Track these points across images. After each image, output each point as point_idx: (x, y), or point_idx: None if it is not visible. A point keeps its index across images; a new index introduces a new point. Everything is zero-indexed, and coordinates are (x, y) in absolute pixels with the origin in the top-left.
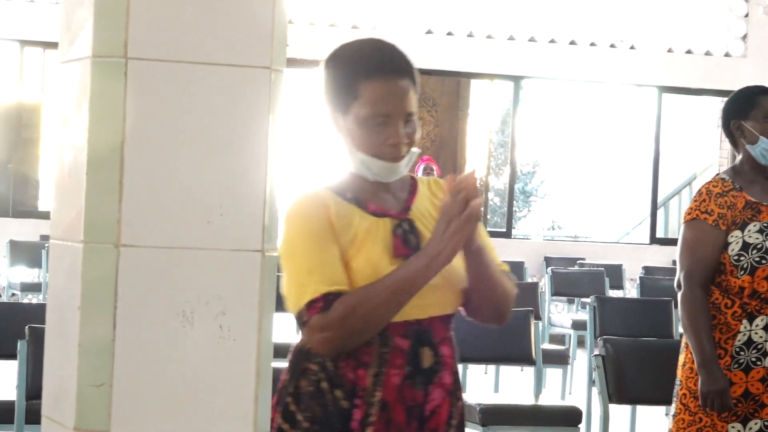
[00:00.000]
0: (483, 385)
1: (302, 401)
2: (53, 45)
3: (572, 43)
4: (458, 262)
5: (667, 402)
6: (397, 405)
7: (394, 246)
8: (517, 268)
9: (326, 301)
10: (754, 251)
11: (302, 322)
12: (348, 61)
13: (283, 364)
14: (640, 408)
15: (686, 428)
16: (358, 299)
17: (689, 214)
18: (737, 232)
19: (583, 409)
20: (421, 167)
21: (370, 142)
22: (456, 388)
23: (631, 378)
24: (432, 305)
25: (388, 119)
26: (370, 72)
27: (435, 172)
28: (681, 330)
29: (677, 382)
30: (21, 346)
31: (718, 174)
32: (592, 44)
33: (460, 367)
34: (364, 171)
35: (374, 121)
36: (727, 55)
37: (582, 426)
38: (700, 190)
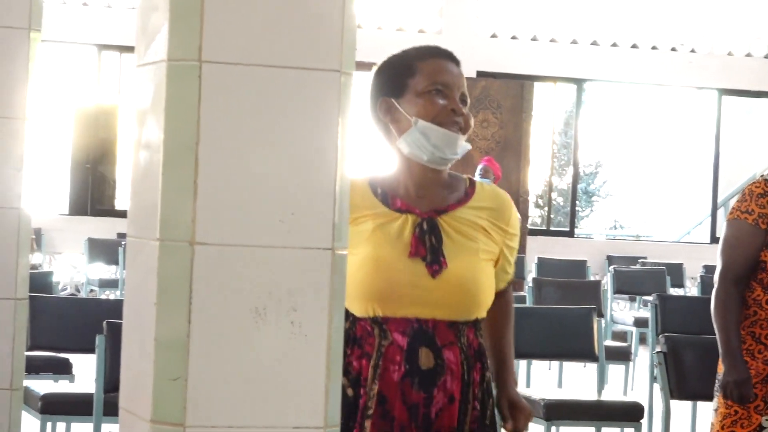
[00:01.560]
0: (546, 380)
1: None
2: (129, 49)
3: (634, 46)
4: (483, 277)
5: None
6: (396, 402)
7: (411, 245)
8: (580, 266)
9: None
10: None
11: None
12: (404, 52)
13: None
14: (700, 404)
15: (723, 420)
16: None
17: (731, 213)
18: None
19: (645, 404)
20: (480, 168)
21: (431, 107)
22: (466, 398)
23: (692, 374)
24: (436, 308)
25: (446, 89)
26: (427, 54)
27: (492, 174)
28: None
29: (717, 377)
30: (99, 340)
31: (762, 175)
32: (654, 48)
33: (523, 363)
34: (419, 146)
35: (434, 88)
36: None
37: (644, 421)
38: (743, 191)
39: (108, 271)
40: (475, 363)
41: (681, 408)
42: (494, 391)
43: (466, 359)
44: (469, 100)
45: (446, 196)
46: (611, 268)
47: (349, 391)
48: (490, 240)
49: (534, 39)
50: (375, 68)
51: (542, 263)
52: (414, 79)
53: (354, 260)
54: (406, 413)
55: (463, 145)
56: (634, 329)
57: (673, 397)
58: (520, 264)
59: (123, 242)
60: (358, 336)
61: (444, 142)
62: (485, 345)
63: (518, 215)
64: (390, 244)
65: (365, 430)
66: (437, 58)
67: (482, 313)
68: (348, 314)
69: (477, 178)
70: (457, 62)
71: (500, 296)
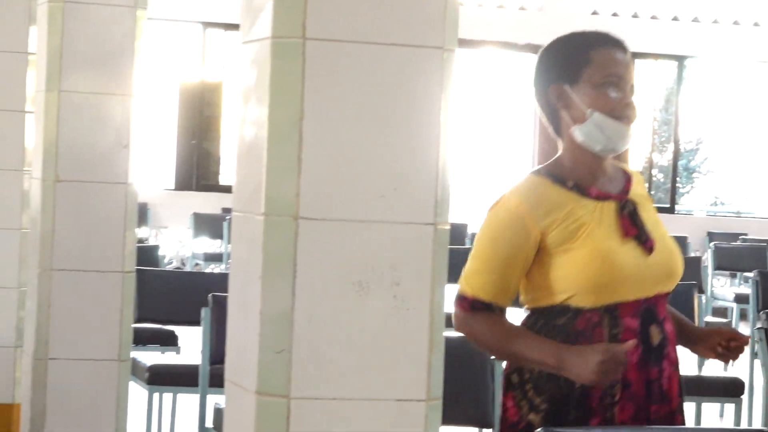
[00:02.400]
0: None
1: (540, 385)
2: (234, 26)
3: (735, 23)
4: (673, 245)
5: None
6: (638, 383)
7: (622, 227)
8: (681, 242)
9: (473, 304)
10: None
11: (455, 299)
12: (575, 37)
13: (454, 333)
14: None
15: None
16: (483, 333)
17: None
18: None
19: (746, 380)
20: None
21: (606, 100)
22: (678, 362)
23: None
24: (657, 283)
25: (620, 81)
26: (601, 42)
27: None
28: None
29: None
30: (204, 313)
31: None
32: (755, 24)
33: None
34: (593, 137)
35: (609, 80)
36: None
37: (744, 397)
38: None
39: (213, 245)
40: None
41: None
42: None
43: (672, 325)
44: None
45: (618, 176)
46: (712, 244)
47: (577, 383)
48: (656, 213)
49: (635, 16)
50: (542, 50)
51: None
52: (588, 68)
53: (575, 255)
54: (644, 390)
55: (631, 135)
56: (734, 305)
57: None
58: None
59: (227, 217)
60: (581, 329)
61: (617, 135)
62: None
63: None
64: (605, 232)
65: (614, 417)
66: (610, 47)
67: None
68: (567, 309)
69: None
70: (626, 50)
71: None
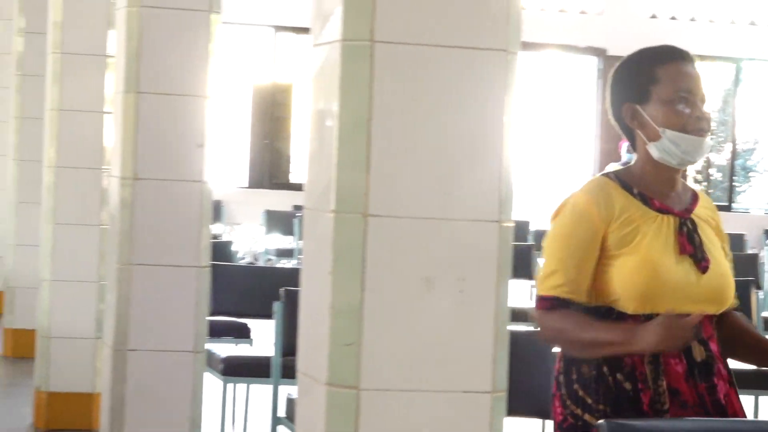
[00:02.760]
0: None
1: (589, 386)
2: (304, 30)
3: None
4: (731, 273)
5: None
6: (689, 394)
7: (679, 243)
8: (738, 240)
9: (553, 303)
10: None
11: (536, 303)
12: (641, 55)
13: (518, 327)
14: None
15: None
16: (565, 328)
17: None
18: None
19: None
20: (625, 144)
21: (677, 117)
22: (732, 378)
23: None
24: (704, 302)
25: (690, 95)
26: (666, 58)
27: None
28: None
29: None
30: (277, 307)
31: None
32: None
33: None
34: (669, 152)
35: (678, 96)
36: None
37: None
38: None
39: (284, 241)
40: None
41: None
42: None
43: (719, 350)
44: (706, 99)
45: (685, 195)
46: None
47: (627, 386)
48: (719, 239)
49: (692, 19)
50: (613, 70)
51: None
52: (657, 86)
53: (627, 261)
54: (697, 400)
55: (708, 146)
56: None
57: None
58: None
59: (298, 214)
60: None
61: (693, 147)
62: (735, 336)
63: None
64: (660, 245)
65: None
66: (676, 61)
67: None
68: (612, 311)
69: (623, 154)
70: (692, 62)
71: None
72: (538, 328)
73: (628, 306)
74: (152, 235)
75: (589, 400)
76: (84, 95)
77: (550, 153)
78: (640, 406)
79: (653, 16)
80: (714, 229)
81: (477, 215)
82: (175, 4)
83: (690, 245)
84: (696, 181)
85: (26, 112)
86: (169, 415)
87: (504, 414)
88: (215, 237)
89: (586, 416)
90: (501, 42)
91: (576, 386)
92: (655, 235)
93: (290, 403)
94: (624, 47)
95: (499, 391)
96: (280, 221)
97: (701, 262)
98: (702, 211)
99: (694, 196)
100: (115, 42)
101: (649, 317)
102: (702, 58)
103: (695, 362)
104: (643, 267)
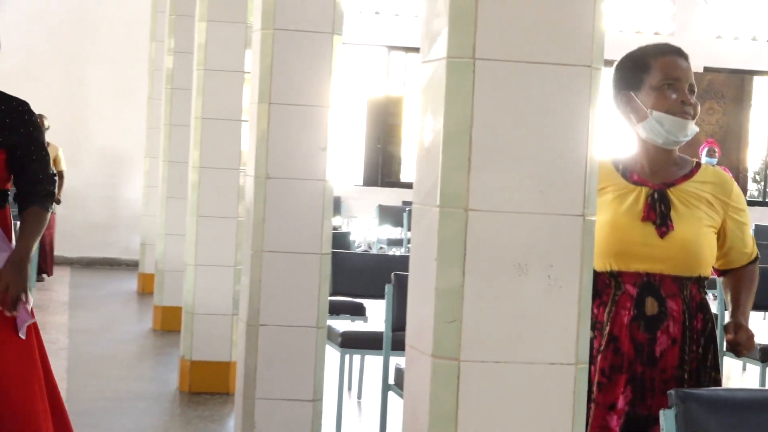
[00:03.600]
0: (762, 327)
1: None
2: (413, 49)
3: None
4: (704, 241)
5: None
6: (625, 340)
7: (644, 210)
8: None
9: None
10: None
11: None
12: (637, 50)
13: None
14: None
15: None
16: None
17: None
18: None
19: None
20: (705, 149)
21: (663, 100)
22: (686, 341)
23: None
24: (662, 264)
25: (676, 83)
26: (659, 52)
27: (716, 154)
28: None
29: None
30: (388, 289)
31: None
32: None
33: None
34: (655, 132)
35: (665, 83)
36: None
37: None
38: None
39: (394, 232)
40: (696, 313)
41: None
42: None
43: (688, 309)
44: (696, 89)
45: (675, 172)
46: None
47: (591, 334)
48: (713, 211)
49: (754, 39)
50: (615, 64)
51: (759, 230)
52: (649, 74)
53: (597, 224)
54: (633, 350)
55: (692, 128)
56: None
57: None
58: None
59: (407, 208)
60: (599, 288)
61: (676, 128)
62: (727, 299)
63: (741, 192)
64: (626, 210)
65: (596, 362)
66: (668, 54)
67: (705, 272)
68: (594, 271)
69: (703, 157)
70: (685, 57)
71: (744, 269)
72: None
73: (596, 263)
74: (281, 226)
75: None
76: (224, 106)
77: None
78: (592, 349)
79: (718, 37)
80: (709, 201)
81: (564, 210)
82: (303, 27)
83: (652, 213)
84: (754, 180)
85: (174, 120)
86: (294, 382)
87: (586, 383)
88: (335, 228)
89: None
90: (586, 59)
91: None
92: (625, 203)
93: (399, 372)
94: (693, 63)
95: (582, 363)
96: (391, 215)
97: (660, 227)
98: (693, 185)
99: (691, 173)
100: (251, 60)
101: (612, 275)
102: (762, 73)
103: (645, 315)
104: (606, 227)
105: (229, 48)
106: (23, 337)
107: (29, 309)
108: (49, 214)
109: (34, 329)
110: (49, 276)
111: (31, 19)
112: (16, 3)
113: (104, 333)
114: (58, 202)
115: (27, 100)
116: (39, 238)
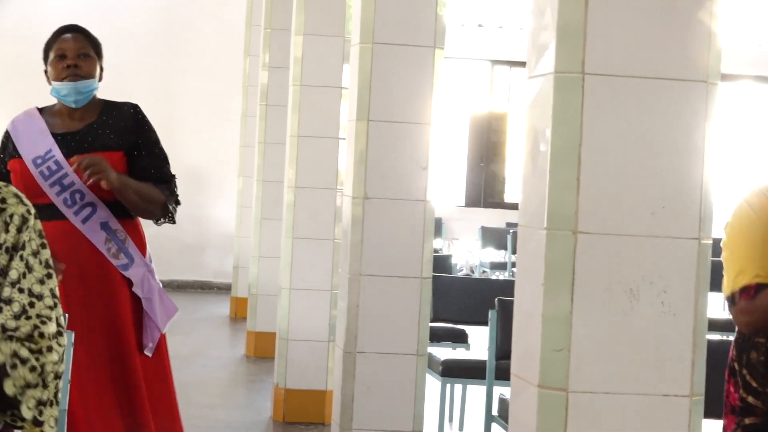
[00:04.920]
0: None
1: (756, 371)
2: (518, 63)
3: None
4: None
5: None
6: None
7: None
8: None
9: (756, 289)
10: None
11: (733, 302)
12: None
13: (716, 336)
14: None
15: None
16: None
17: None
18: None
19: None
20: None
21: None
22: None
23: None
24: None
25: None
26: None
27: None
28: None
29: None
30: (491, 315)
31: None
32: None
33: None
34: None
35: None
36: None
37: None
38: None
39: (497, 255)
40: None
41: None
42: None
43: None
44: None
45: None
46: None
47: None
48: None
49: None
50: None
51: None
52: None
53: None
54: None
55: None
56: None
57: None
58: None
59: (511, 230)
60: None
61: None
62: None
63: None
64: None
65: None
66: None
67: None
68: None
69: None
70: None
71: None
72: (745, 319)
73: None
74: (380, 249)
75: (755, 384)
76: (320, 123)
77: (745, 179)
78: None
79: None
80: None
81: (678, 233)
82: (403, 41)
83: None
84: None
85: (269, 138)
86: (393, 412)
87: (701, 416)
88: (436, 251)
89: (750, 399)
90: (702, 74)
91: (745, 371)
92: None
93: (503, 402)
94: None
95: (697, 394)
96: (494, 237)
97: None
98: None
99: None
100: (349, 75)
101: None
102: None
103: None
104: None
105: (327, 63)
106: (149, 355)
107: (158, 326)
108: (164, 208)
109: (163, 342)
110: None
111: (124, 34)
112: (109, 18)
113: (196, 359)
114: (178, 203)
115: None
116: (143, 199)
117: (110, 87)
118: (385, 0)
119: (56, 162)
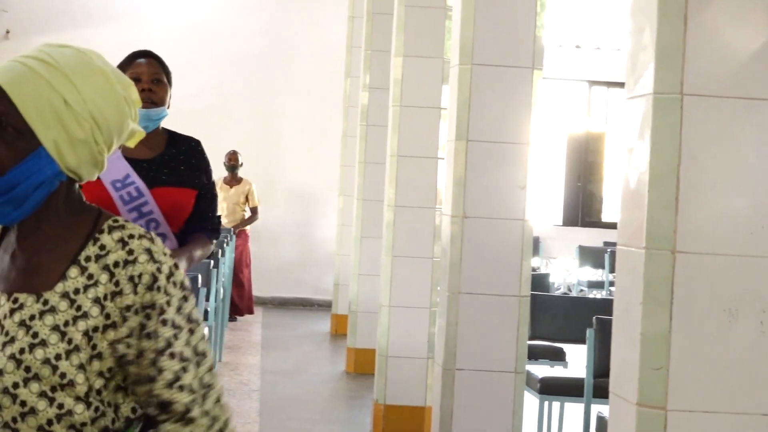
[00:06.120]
0: None
1: None
2: (616, 84)
3: None
4: None
5: None
6: None
7: None
8: None
9: None
10: None
11: None
12: None
13: None
14: None
15: None
16: None
17: None
18: None
19: None
20: None
21: None
22: None
23: None
24: None
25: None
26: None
27: None
28: None
29: None
30: (589, 333)
31: None
32: None
33: None
34: None
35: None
36: None
37: None
38: None
39: (595, 274)
40: None
41: None
42: None
43: None
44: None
45: None
46: None
47: None
48: None
49: None
50: None
51: None
52: None
53: None
54: None
55: None
56: None
57: None
58: None
59: (609, 249)
60: None
61: None
62: None
63: None
64: None
65: None
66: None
67: None
68: None
69: None
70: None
71: None
72: None
73: None
74: (478, 267)
75: None
76: (420, 143)
77: None
78: None
79: None
80: None
81: None
82: (502, 62)
83: None
84: None
85: (369, 158)
86: (491, 428)
87: None
88: (534, 269)
89: None
90: None
91: None
92: None
93: (600, 420)
94: None
95: None
96: (592, 256)
97: None
98: None
99: None
100: (448, 96)
101: None
102: None
103: None
104: None
105: (426, 84)
106: None
107: None
108: (212, 247)
109: None
110: (251, 314)
111: (226, 56)
112: (211, 42)
113: (296, 375)
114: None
115: (220, 136)
116: (199, 259)
117: (213, 109)
118: (484, 22)
119: (137, 189)
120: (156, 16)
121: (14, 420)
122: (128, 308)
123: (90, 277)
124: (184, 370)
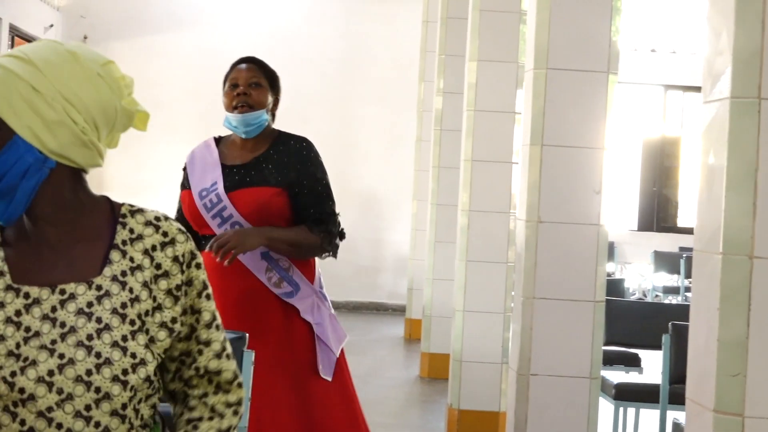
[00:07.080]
0: None
1: None
2: (691, 88)
3: None
4: None
5: None
6: None
7: None
8: None
9: None
10: None
11: None
12: None
13: None
14: None
15: None
16: None
17: None
18: None
19: None
20: None
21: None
22: None
23: None
24: None
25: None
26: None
27: None
28: None
29: None
30: (665, 339)
31: None
32: None
33: None
34: None
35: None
36: None
37: None
38: None
39: (670, 280)
40: None
41: None
42: None
43: None
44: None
45: None
46: None
47: None
48: None
49: None
50: None
51: None
52: None
53: None
54: None
55: None
56: None
57: None
58: None
59: (684, 255)
60: None
61: None
62: None
63: None
64: None
65: None
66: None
67: None
68: None
69: None
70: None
71: None
72: None
73: None
74: (553, 272)
75: None
76: (494, 147)
77: None
78: None
79: None
80: None
81: None
82: (577, 66)
83: None
84: None
85: (443, 162)
86: None
87: None
88: (609, 274)
89: None
90: None
91: None
92: None
93: (676, 427)
94: None
95: None
96: (667, 261)
97: None
98: None
99: None
100: (523, 100)
101: None
102: None
103: None
104: None
105: (500, 88)
106: (328, 379)
107: (331, 349)
108: (320, 249)
109: (344, 364)
110: None
111: (302, 61)
112: (288, 47)
113: (371, 378)
114: (342, 236)
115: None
116: (287, 242)
117: (289, 113)
118: (559, 26)
119: (217, 195)
120: (233, 21)
121: (87, 408)
122: (178, 288)
123: (132, 260)
124: (226, 339)
